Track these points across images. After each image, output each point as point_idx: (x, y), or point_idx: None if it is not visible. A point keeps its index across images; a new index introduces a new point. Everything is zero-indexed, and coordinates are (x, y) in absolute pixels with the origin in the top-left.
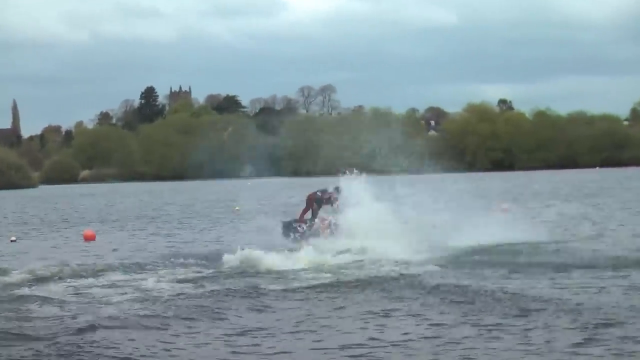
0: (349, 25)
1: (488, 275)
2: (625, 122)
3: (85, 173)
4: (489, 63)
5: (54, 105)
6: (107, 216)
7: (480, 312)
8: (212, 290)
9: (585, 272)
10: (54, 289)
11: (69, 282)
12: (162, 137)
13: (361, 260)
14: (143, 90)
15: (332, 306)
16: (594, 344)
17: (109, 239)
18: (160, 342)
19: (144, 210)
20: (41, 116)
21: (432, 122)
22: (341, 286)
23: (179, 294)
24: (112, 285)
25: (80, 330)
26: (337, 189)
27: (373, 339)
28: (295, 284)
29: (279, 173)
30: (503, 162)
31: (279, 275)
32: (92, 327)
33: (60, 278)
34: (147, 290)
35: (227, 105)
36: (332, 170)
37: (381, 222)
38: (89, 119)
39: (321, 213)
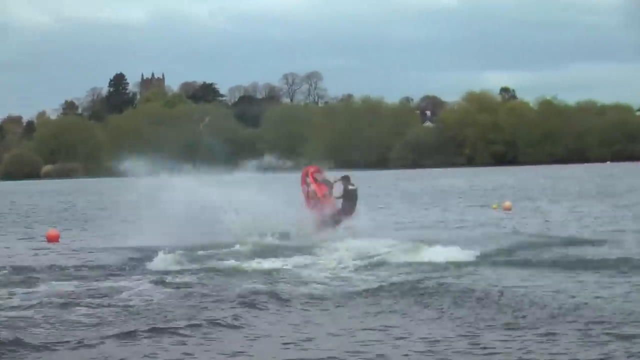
0: (337, 6)
1: (489, 275)
2: (639, 113)
3: (48, 168)
4: (490, 48)
5: (14, 94)
6: (69, 215)
7: (480, 320)
8: (203, 294)
9: (594, 274)
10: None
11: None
12: (133, 129)
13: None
14: (112, 77)
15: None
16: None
17: (74, 239)
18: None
19: (107, 210)
20: (0, 105)
21: (428, 113)
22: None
23: (148, 300)
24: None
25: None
26: (346, 178)
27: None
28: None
29: (259, 168)
30: (505, 156)
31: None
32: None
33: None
34: (108, 296)
35: (203, 93)
36: (319, 164)
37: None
38: (52, 108)
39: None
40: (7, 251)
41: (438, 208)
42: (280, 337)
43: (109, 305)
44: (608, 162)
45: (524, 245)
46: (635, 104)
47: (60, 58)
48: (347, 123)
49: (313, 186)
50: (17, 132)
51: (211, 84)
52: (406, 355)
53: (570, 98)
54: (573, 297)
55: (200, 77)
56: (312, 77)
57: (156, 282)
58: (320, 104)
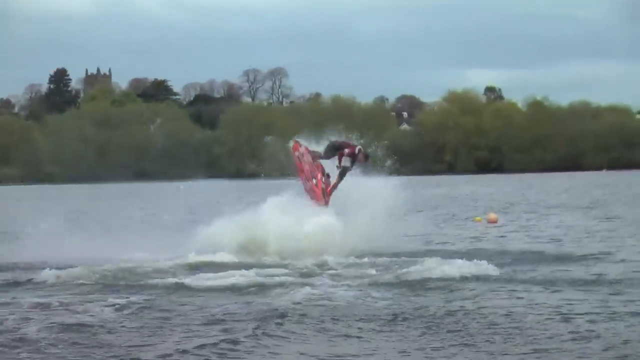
0: None
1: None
2: (638, 115)
3: None
4: (473, 43)
5: None
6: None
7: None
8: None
9: (586, 293)
10: None
11: None
12: (76, 131)
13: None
14: (52, 72)
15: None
16: None
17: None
18: None
19: (47, 221)
20: None
21: (405, 114)
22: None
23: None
24: None
25: None
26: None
27: None
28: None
29: (217, 174)
30: (490, 163)
31: None
32: None
33: None
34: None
35: (154, 91)
36: (285, 171)
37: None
38: None
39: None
40: None
41: (413, 219)
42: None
43: None
44: (604, 170)
45: (510, 263)
46: (634, 106)
47: None
48: (315, 125)
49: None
50: None
51: (163, 81)
52: None
53: (563, 99)
54: (566, 320)
55: (151, 73)
56: (276, 74)
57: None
58: (285, 104)
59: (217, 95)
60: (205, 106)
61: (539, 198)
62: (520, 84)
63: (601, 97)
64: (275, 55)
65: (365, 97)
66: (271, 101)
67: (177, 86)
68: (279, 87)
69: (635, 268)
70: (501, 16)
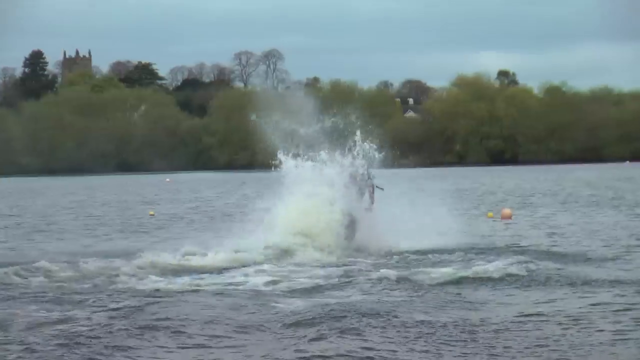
0: None
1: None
2: None
3: None
4: (485, 24)
5: None
6: None
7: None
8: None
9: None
10: None
11: None
12: (53, 118)
13: None
14: (27, 55)
15: None
16: None
17: None
18: None
19: (25, 217)
20: None
21: (411, 100)
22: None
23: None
24: None
25: None
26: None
27: None
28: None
29: (207, 166)
30: (504, 153)
31: None
32: None
33: None
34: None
35: (139, 75)
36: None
37: None
38: None
39: None
40: None
41: (420, 214)
42: None
43: None
44: (627, 162)
45: (526, 262)
46: None
47: None
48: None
49: None
50: None
51: (148, 65)
52: None
53: (582, 84)
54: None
55: (135, 55)
56: (271, 57)
57: None
58: (280, 89)
59: (206, 80)
60: (194, 92)
61: (557, 192)
62: (536, 67)
63: (624, 83)
64: (269, 37)
65: (367, 81)
66: (265, 86)
67: (163, 70)
68: (274, 71)
69: None
70: None
